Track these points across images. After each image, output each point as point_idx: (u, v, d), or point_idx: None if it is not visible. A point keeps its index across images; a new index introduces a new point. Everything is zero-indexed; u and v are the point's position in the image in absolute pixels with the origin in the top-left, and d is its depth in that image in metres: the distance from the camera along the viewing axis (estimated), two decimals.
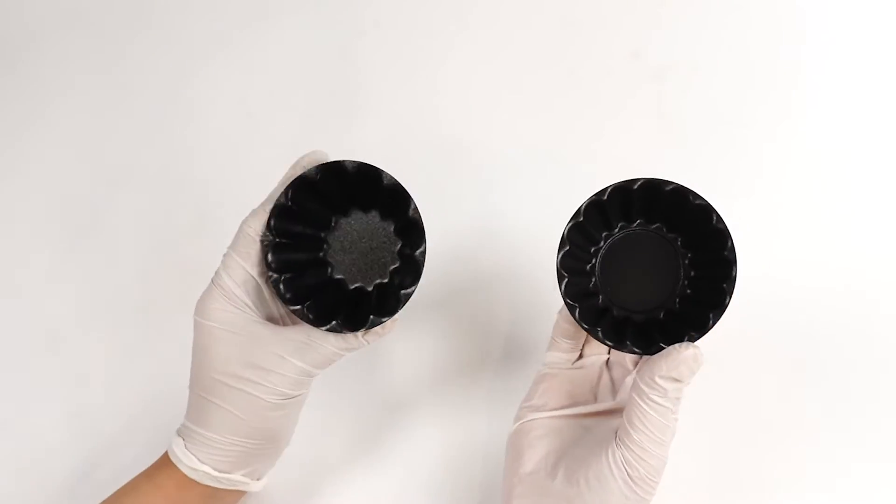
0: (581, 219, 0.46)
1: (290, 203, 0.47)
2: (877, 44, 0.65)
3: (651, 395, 0.42)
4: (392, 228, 0.49)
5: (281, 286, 0.46)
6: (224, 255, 0.48)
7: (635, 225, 0.47)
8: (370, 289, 0.48)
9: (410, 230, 0.47)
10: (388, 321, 0.46)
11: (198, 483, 0.48)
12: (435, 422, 0.59)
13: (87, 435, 0.63)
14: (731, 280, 0.44)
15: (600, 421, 0.48)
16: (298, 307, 0.46)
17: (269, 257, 0.46)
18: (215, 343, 0.46)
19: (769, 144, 0.64)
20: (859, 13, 0.66)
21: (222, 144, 0.71)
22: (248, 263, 0.47)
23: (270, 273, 0.46)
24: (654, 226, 0.47)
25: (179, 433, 0.49)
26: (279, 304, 0.49)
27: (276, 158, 0.70)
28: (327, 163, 0.47)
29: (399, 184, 0.46)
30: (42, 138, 0.74)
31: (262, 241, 0.47)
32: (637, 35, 0.69)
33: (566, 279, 0.46)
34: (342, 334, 0.46)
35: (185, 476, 0.48)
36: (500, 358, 0.60)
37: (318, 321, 0.46)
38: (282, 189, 0.47)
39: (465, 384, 0.59)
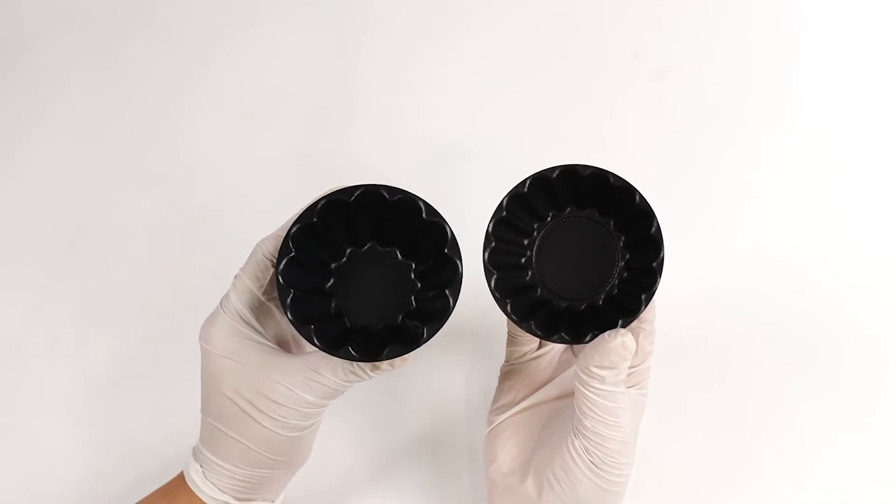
0: (504, 213, 0.45)
1: (316, 220, 0.44)
2: (876, 44, 0.65)
3: (591, 384, 0.42)
4: (413, 268, 0.45)
5: (289, 302, 0.43)
6: (235, 277, 0.46)
7: (567, 212, 0.47)
8: (377, 329, 0.45)
9: (443, 267, 0.44)
10: (402, 357, 0.43)
11: None
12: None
13: (87, 438, 0.63)
14: (659, 261, 0.43)
15: (564, 408, 0.48)
16: (305, 328, 0.43)
17: (282, 268, 0.43)
18: (223, 372, 0.45)
19: (768, 144, 0.64)
20: (858, 13, 0.66)
21: (222, 144, 0.71)
22: (258, 287, 0.45)
23: (280, 286, 0.43)
24: (586, 211, 0.47)
25: (196, 458, 0.48)
26: (288, 325, 0.46)
27: (275, 158, 0.71)
28: (367, 186, 0.44)
29: (440, 218, 0.44)
30: (41, 138, 0.74)
31: (279, 250, 0.44)
32: (637, 35, 0.69)
33: (494, 275, 0.45)
34: (350, 365, 0.43)
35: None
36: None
37: (327, 347, 0.43)
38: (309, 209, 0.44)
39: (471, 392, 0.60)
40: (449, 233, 0.43)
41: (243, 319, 0.45)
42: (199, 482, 0.47)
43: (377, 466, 0.59)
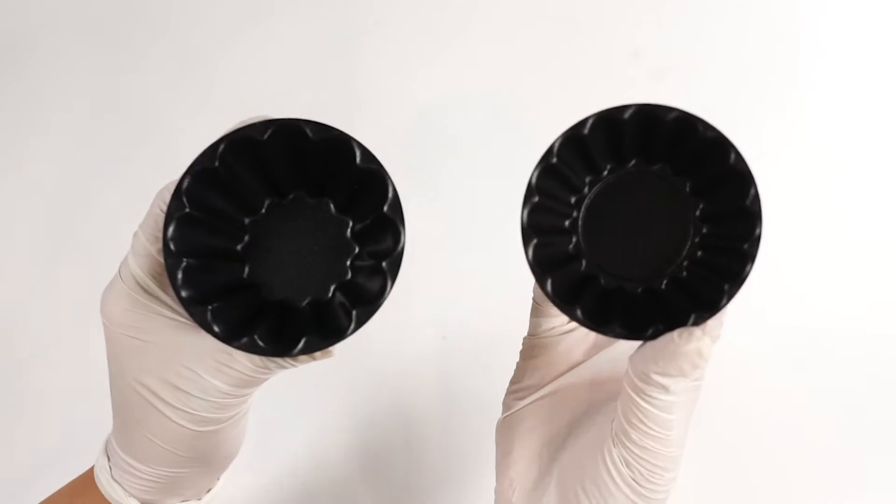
0: (554, 160, 0.35)
1: (217, 164, 0.34)
2: (875, 44, 0.65)
3: (648, 392, 0.34)
4: (350, 227, 0.35)
5: (179, 276, 0.33)
6: (133, 237, 0.37)
7: (630, 166, 0.37)
8: (301, 304, 0.35)
9: (380, 231, 0.34)
10: (327, 349, 0.34)
11: None
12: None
13: (87, 437, 0.63)
14: (753, 241, 0.33)
15: (600, 401, 0.40)
16: (200, 310, 0.33)
17: (171, 232, 0.33)
18: (123, 353, 0.36)
19: (767, 144, 0.64)
20: (858, 14, 0.66)
21: None
22: (157, 249, 0.35)
23: (167, 255, 0.33)
24: (656, 167, 0.37)
25: (106, 450, 0.41)
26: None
27: None
28: (283, 120, 0.34)
29: (379, 166, 0.34)
30: (41, 138, 0.74)
31: (168, 206, 0.34)
32: (637, 35, 0.69)
33: (534, 241, 0.35)
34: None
35: None
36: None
37: (227, 334, 0.33)
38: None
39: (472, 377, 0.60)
40: (391, 188, 0.34)
41: (142, 288, 0.36)
42: (104, 482, 0.40)
43: (378, 466, 0.59)
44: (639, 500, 0.35)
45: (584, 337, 0.41)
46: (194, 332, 0.35)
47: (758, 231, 0.33)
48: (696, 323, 0.33)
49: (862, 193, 0.61)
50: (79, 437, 0.63)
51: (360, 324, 0.33)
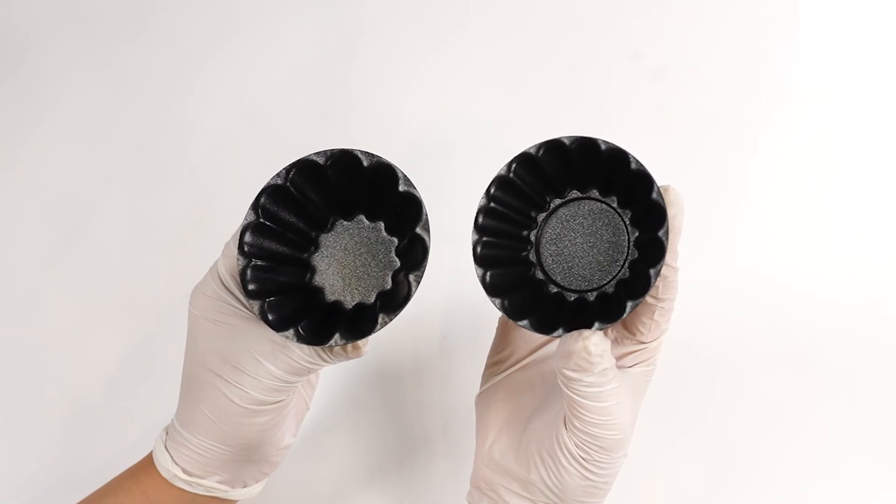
0: (492, 203, 0.43)
1: (288, 185, 0.42)
2: (872, 43, 0.65)
3: (570, 385, 0.39)
4: (395, 246, 0.43)
5: (248, 273, 0.41)
6: (224, 244, 0.45)
7: (568, 195, 0.43)
8: (349, 307, 0.43)
9: (412, 247, 0.41)
10: (356, 343, 0.41)
11: (173, 485, 0.45)
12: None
13: (84, 435, 0.63)
14: (656, 270, 0.38)
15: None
16: (259, 302, 0.41)
17: (247, 237, 0.41)
18: (198, 334, 0.43)
19: (766, 144, 0.64)
20: (858, 14, 0.66)
21: (221, 144, 0.71)
22: None
23: (240, 256, 0.41)
24: (588, 192, 0.43)
25: (167, 428, 0.47)
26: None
27: (274, 158, 0.70)
28: (341, 150, 0.41)
29: (414, 194, 0.40)
30: (40, 138, 0.75)
31: (244, 220, 0.42)
32: (637, 35, 0.69)
33: (487, 272, 0.42)
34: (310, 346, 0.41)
35: (162, 477, 0.45)
36: None
37: (277, 324, 0.40)
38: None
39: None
40: (423, 209, 0.40)
41: (224, 284, 0.43)
42: (157, 452, 0.45)
43: (378, 466, 0.59)
44: (589, 475, 0.40)
45: None
46: (256, 322, 0.42)
47: (660, 264, 0.38)
48: (600, 328, 0.39)
49: (859, 191, 0.61)
50: (80, 437, 0.63)
51: (385, 322, 0.39)
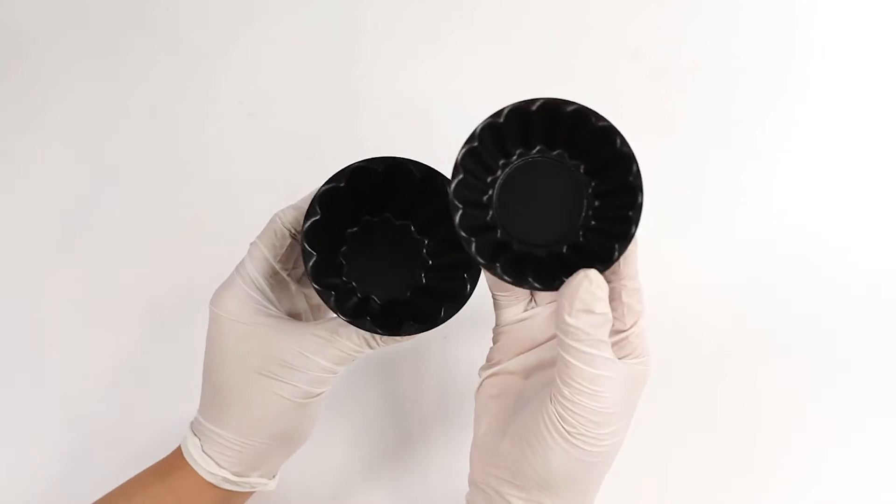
0: (476, 143, 0.41)
1: (343, 186, 0.43)
2: (871, 42, 0.65)
3: (568, 343, 0.39)
4: (426, 244, 0.46)
5: (311, 267, 0.42)
6: (250, 245, 0.46)
7: (535, 151, 0.43)
8: (380, 301, 0.46)
9: (454, 254, 0.43)
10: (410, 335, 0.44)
11: (215, 487, 0.46)
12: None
13: (84, 435, 0.63)
14: (636, 208, 0.40)
15: (548, 370, 0.45)
16: (328, 294, 0.43)
17: (307, 229, 0.43)
18: (232, 337, 0.44)
19: (766, 143, 0.64)
20: (856, 14, 0.66)
21: (221, 145, 0.71)
22: (273, 256, 0.45)
23: (309, 249, 0.42)
24: (555, 152, 0.43)
25: (194, 431, 0.47)
26: (302, 298, 0.47)
27: (274, 158, 0.71)
28: (392, 158, 0.44)
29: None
30: (41, 138, 0.74)
31: (307, 211, 0.43)
32: (637, 35, 0.69)
33: (460, 210, 0.41)
34: (365, 333, 0.44)
35: (202, 479, 0.46)
36: None
37: (349, 316, 0.43)
38: (334, 178, 0.44)
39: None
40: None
41: (257, 287, 0.44)
42: (196, 455, 0.46)
43: (378, 461, 0.59)
44: (574, 452, 0.40)
45: (542, 322, 0.46)
46: (295, 323, 0.44)
47: (639, 201, 0.40)
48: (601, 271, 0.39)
49: (859, 191, 0.62)
50: (80, 437, 0.63)
51: (448, 315, 0.43)
